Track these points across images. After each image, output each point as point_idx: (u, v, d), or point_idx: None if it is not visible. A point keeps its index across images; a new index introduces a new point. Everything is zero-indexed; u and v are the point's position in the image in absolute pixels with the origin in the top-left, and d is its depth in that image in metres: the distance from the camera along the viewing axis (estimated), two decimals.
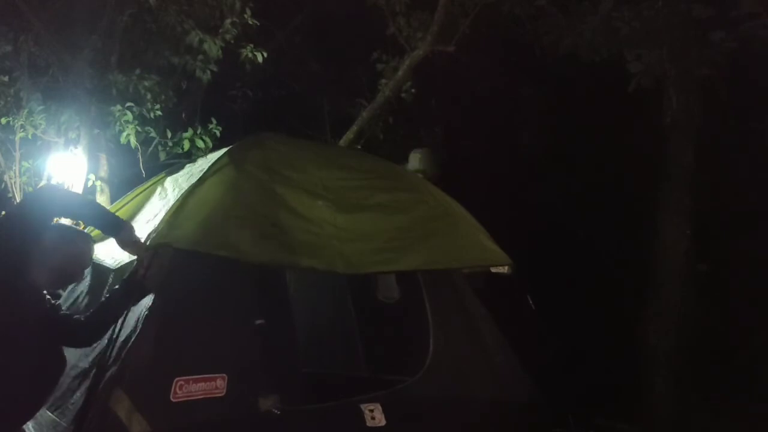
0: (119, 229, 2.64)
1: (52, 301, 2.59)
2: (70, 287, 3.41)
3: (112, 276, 3.15)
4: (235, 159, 3.19)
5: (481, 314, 3.61)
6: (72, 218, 3.62)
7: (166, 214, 2.83)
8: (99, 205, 2.90)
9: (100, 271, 3.30)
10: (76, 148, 5.95)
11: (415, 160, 5.86)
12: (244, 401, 2.77)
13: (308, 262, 2.94)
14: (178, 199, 2.91)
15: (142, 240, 2.70)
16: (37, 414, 2.59)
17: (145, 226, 2.96)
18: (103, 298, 2.75)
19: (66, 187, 5.52)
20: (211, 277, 2.80)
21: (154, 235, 2.70)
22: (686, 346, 4.59)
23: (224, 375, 2.70)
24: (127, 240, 2.65)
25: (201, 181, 3.00)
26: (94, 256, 3.08)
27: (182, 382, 2.62)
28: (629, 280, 5.45)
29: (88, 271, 3.39)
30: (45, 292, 2.53)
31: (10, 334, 2.32)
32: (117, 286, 2.66)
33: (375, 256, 3.08)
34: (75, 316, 2.66)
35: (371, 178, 3.55)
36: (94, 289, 3.27)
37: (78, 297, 3.34)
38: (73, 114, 5.91)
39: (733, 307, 5.75)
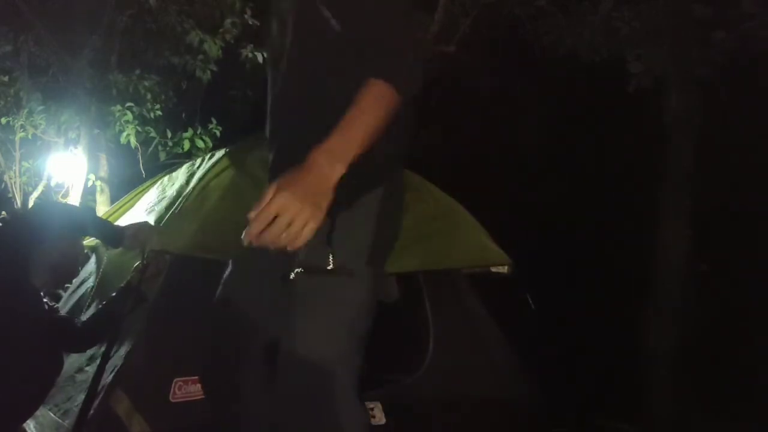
0: (121, 239, 2.63)
1: (51, 304, 2.59)
2: (72, 288, 3.42)
3: (106, 256, 3.16)
4: (235, 160, 3.19)
5: (481, 314, 3.61)
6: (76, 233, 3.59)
7: (166, 217, 2.84)
8: (98, 218, 2.88)
9: (100, 263, 3.31)
10: (76, 148, 5.96)
11: None
12: None
13: None
14: (177, 203, 2.91)
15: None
16: (39, 415, 2.60)
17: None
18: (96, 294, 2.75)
19: (63, 202, 5.50)
20: (210, 276, 2.80)
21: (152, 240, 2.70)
22: (686, 346, 4.59)
23: None
24: (131, 246, 2.64)
25: (201, 183, 3.00)
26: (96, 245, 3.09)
27: (181, 383, 2.62)
28: (629, 280, 5.45)
29: (92, 272, 3.41)
30: (43, 293, 2.54)
31: (9, 334, 2.32)
32: (114, 293, 2.66)
33: None
34: (74, 320, 2.66)
35: None
36: (98, 288, 3.27)
37: (83, 296, 3.34)
38: (73, 114, 5.93)
39: (733, 307, 5.75)
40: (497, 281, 3.67)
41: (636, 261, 5.12)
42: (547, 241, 7.01)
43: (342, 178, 1.46)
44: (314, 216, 1.41)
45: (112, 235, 2.64)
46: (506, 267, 3.62)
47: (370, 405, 2.95)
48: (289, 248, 1.41)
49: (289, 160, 1.55)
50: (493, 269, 3.63)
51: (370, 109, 1.48)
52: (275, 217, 1.40)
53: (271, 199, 1.41)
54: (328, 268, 1.55)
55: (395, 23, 1.57)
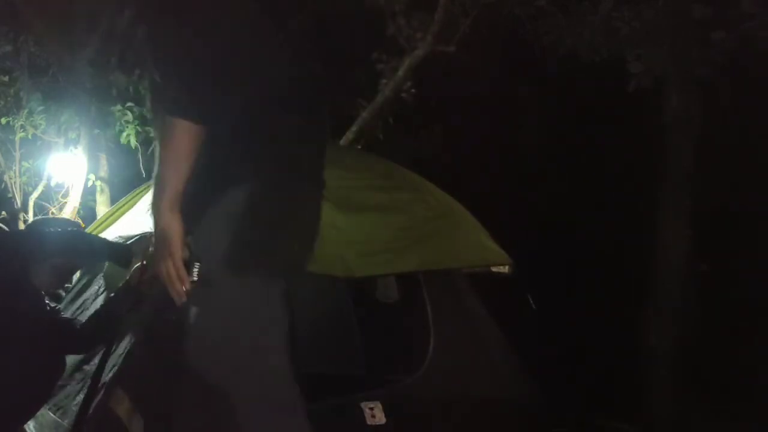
0: (130, 259, 2.63)
1: (52, 305, 2.59)
2: (73, 288, 3.41)
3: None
4: None
5: (481, 314, 3.61)
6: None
7: None
8: (108, 243, 2.85)
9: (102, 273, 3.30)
10: (76, 148, 5.97)
11: None
12: None
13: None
14: None
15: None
16: (39, 414, 2.60)
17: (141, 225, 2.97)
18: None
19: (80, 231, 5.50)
20: None
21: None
22: (686, 346, 4.59)
23: None
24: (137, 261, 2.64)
25: None
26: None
27: None
28: (629, 280, 5.45)
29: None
30: (43, 292, 2.54)
31: (10, 335, 2.32)
32: (113, 294, 2.66)
33: (374, 258, 3.08)
34: (75, 321, 2.67)
35: (372, 178, 3.55)
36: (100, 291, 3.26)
37: (86, 300, 3.34)
38: (73, 114, 5.93)
39: (733, 307, 5.75)
40: (497, 281, 3.67)
41: (636, 261, 5.12)
42: (547, 241, 7.01)
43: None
44: (165, 256, 1.55)
45: (122, 257, 2.64)
46: (506, 267, 3.62)
47: (370, 405, 2.95)
48: (184, 289, 1.55)
49: None
50: (493, 269, 3.63)
51: (163, 145, 1.55)
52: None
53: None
54: (194, 279, 1.57)
55: (161, 54, 1.57)
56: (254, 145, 1.61)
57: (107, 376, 2.55)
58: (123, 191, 5.09)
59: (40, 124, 6.11)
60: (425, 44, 6.29)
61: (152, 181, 1.58)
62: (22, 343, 2.35)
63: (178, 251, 1.55)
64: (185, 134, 1.52)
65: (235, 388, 1.59)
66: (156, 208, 1.56)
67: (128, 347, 2.62)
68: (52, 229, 2.66)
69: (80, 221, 5.65)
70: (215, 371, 1.60)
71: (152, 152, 6.26)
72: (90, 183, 6.03)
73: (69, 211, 5.92)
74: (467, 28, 6.35)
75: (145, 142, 6.24)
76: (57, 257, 2.50)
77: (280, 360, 1.64)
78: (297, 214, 1.72)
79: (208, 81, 1.52)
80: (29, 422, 2.61)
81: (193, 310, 1.63)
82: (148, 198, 3.34)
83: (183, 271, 1.55)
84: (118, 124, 5.98)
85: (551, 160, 7.81)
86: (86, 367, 2.77)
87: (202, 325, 1.63)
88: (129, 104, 6.00)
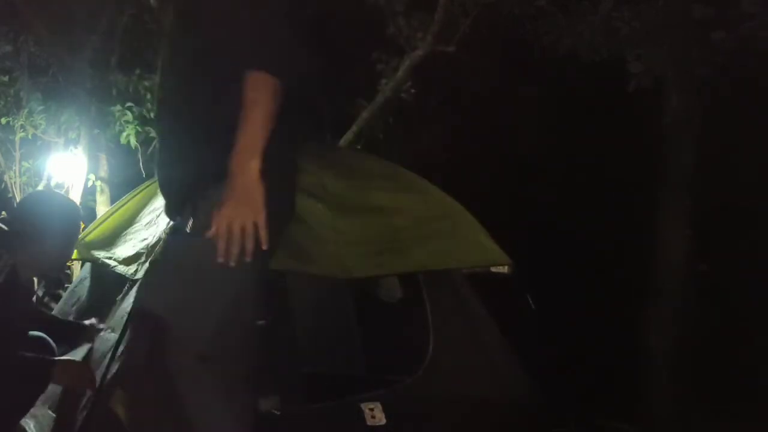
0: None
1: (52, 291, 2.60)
2: (70, 290, 3.41)
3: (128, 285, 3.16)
4: None
5: (481, 314, 3.61)
6: None
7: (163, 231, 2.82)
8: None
9: (102, 274, 3.30)
10: (76, 148, 5.97)
11: None
12: None
13: (307, 267, 2.95)
14: None
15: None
16: (39, 414, 2.60)
17: (146, 228, 2.97)
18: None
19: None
20: None
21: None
22: (686, 346, 4.60)
23: None
24: None
25: None
26: (101, 258, 3.09)
27: None
28: (629, 280, 5.45)
29: (87, 272, 3.40)
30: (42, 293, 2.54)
31: (5, 334, 2.33)
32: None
33: (374, 259, 3.08)
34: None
35: (371, 178, 3.54)
36: (94, 292, 3.26)
37: (78, 299, 3.34)
38: (73, 114, 5.93)
39: (733, 307, 5.75)
40: (497, 281, 3.67)
41: (636, 261, 5.12)
42: (546, 241, 7.01)
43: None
44: (254, 211, 1.56)
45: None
46: (506, 267, 3.62)
47: (370, 405, 2.95)
48: (260, 247, 1.56)
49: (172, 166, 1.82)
50: (493, 269, 3.63)
51: (258, 100, 1.60)
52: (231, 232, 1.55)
53: (216, 219, 1.56)
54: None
55: (259, 17, 1.66)
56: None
57: (109, 374, 2.56)
58: (123, 191, 5.09)
59: (40, 124, 6.11)
60: (425, 44, 6.28)
61: (239, 138, 1.59)
62: (15, 336, 2.35)
63: (263, 210, 1.58)
64: (273, 88, 1.61)
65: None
66: (246, 164, 1.58)
67: (129, 345, 2.63)
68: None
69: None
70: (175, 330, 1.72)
71: (152, 152, 6.27)
72: (90, 183, 6.03)
73: None
74: (467, 28, 6.34)
75: (145, 142, 6.25)
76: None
77: (239, 334, 1.72)
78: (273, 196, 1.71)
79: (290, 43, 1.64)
80: (29, 421, 2.61)
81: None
82: (154, 205, 3.35)
83: (264, 231, 1.57)
84: (118, 124, 5.98)
85: (551, 159, 7.81)
86: None
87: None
88: (129, 104, 6.00)
